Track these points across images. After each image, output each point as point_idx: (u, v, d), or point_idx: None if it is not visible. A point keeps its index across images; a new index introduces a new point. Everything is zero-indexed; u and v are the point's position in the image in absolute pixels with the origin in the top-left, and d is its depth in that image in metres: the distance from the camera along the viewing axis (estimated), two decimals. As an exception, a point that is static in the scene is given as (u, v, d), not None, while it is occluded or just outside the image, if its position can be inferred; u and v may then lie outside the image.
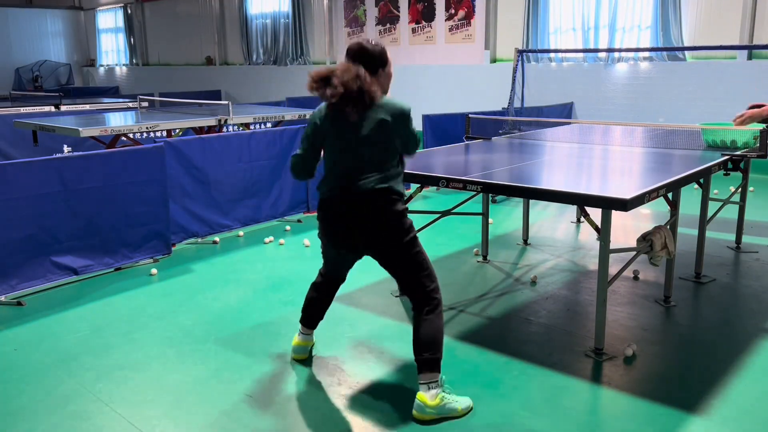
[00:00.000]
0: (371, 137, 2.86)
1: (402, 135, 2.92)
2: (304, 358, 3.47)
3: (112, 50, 20.66)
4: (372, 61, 2.92)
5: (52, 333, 3.86)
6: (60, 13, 21.05)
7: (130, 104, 10.61)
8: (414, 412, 2.87)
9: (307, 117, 7.89)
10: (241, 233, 6.00)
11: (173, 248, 5.39)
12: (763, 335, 3.69)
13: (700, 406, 2.94)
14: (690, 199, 5.57)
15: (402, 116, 2.89)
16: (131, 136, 6.89)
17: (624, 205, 3.05)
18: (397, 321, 3.95)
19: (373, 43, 2.96)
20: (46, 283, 4.53)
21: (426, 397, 2.84)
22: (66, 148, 8.32)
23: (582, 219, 6.01)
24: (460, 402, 2.92)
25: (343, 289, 4.50)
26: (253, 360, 3.47)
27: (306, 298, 3.44)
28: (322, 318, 3.46)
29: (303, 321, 3.45)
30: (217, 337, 3.76)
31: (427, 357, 2.87)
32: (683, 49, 9.05)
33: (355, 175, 2.88)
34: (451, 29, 12.11)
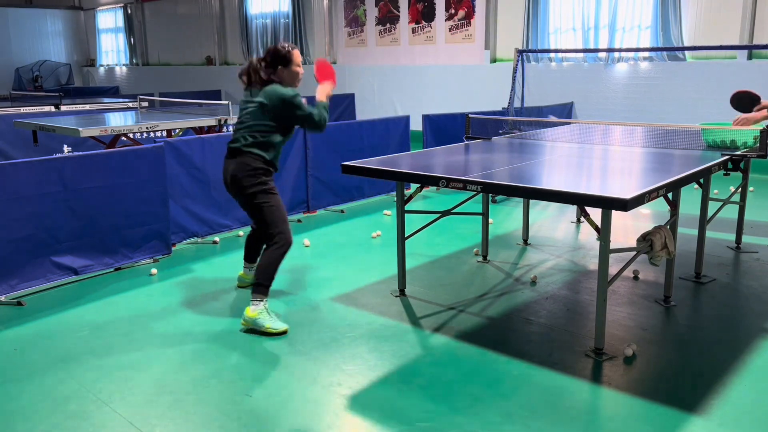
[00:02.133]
0: (248, 111, 3.88)
1: (283, 116, 3.83)
2: (245, 286, 4.48)
3: (112, 50, 20.67)
4: (273, 58, 3.92)
5: (52, 333, 3.86)
6: (60, 13, 21.06)
7: (130, 104, 10.61)
8: (242, 320, 3.82)
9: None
10: (241, 233, 6.00)
11: (173, 248, 5.39)
12: (763, 335, 3.69)
13: (700, 406, 2.94)
14: (690, 199, 5.58)
15: (278, 101, 3.79)
16: (131, 136, 6.89)
17: (624, 205, 3.05)
18: (397, 321, 3.95)
19: (287, 47, 3.95)
20: (46, 283, 4.53)
21: (248, 309, 3.79)
22: (66, 148, 8.32)
23: (582, 219, 6.01)
24: (273, 323, 3.76)
25: (343, 289, 4.52)
26: (253, 360, 3.48)
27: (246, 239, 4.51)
28: (258, 254, 4.37)
29: (245, 257, 4.54)
30: (217, 337, 3.76)
31: (258, 281, 3.82)
32: (683, 49, 9.04)
33: (235, 137, 3.90)
34: (451, 29, 12.11)
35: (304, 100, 3.93)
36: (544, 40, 10.88)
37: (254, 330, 3.78)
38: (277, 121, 3.85)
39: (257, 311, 3.77)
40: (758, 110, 4.86)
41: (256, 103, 3.84)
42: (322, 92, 4.02)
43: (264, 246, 3.95)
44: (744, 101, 5.03)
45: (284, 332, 3.76)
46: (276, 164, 3.95)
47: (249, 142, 3.82)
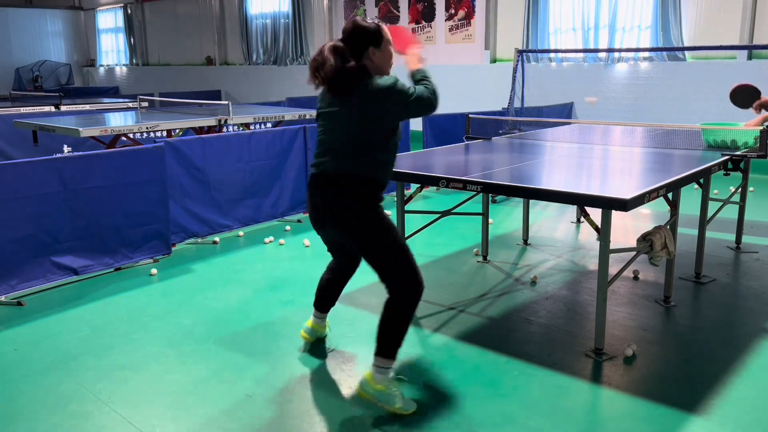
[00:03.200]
0: (346, 121, 2.86)
1: (396, 111, 2.85)
2: (310, 339, 3.58)
3: (112, 50, 20.67)
4: (359, 38, 2.88)
5: (52, 333, 3.86)
6: (60, 13, 21.05)
7: (130, 104, 10.61)
8: (358, 385, 2.98)
9: (308, 117, 7.91)
10: (241, 233, 6.00)
11: (173, 248, 5.39)
12: (763, 335, 3.69)
13: (700, 406, 2.94)
14: (690, 199, 5.58)
15: (385, 94, 2.81)
16: (131, 136, 6.88)
17: (624, 205, 3.05)
18: (397, 321, 3.95)
19: (369, 20, 2.93)
20: (46, 283, 4.53)
21: (372, 377, 2.91)
22: (66, 148, 8.32)
23: (582, 219, 6.01)
24: (401, 400, 2.91)
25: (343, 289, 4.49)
26: (253, 360, 3.47)
27: (320, 281, 3.52)
28: (333, 304, 3.54)
29: (315, 303, 3.55)
30: (217, 337, 3.76)
31: (388, 341, 2.91)
32: (683, 49, 9.05)
33: (324, 158, 2.94)
34: (451, 29, 12.11)
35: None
36: (544, 40, 10.88)
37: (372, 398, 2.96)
38: (387, 122, 2.89)
39: (385, 382, 2.91)
40: (758, 105, 4.82)
41: (349, 105, 2.85)
42: (413, 61, 3.05)
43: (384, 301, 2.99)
44: (742, 96, 4.98)
45: (407, 412, 2.92)
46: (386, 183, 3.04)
47: (346, 161, 2.90)
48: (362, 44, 2.88)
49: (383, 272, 2.95)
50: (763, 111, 4.86)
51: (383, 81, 2.84)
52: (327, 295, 3.50)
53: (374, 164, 2.91)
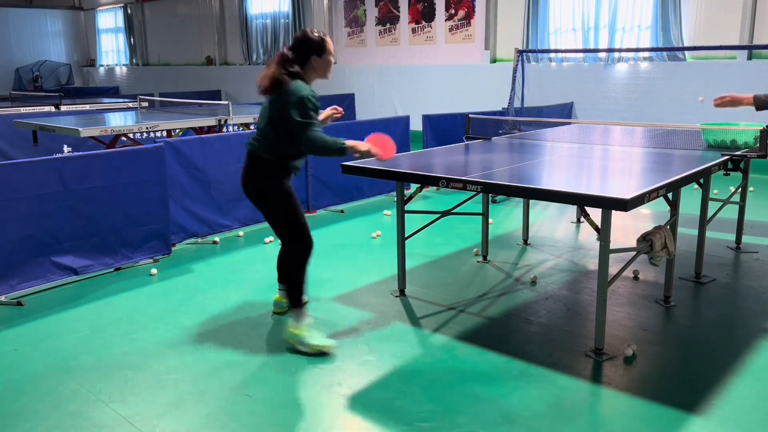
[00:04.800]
0: (267, 113, 3.53)
1: (288, 115, 3.38)
2: (281, 312, 4.09)
3: (112, 50, 20.66)
4: (305, 49, 3.50)
5: (52, 333, 3.86)
6: (60, 13, 21.05)
7: (130, 104, 10.61)
8: (285, 336, 3.64)
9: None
10: (241, 233, 6.00)
11: (173, 248, 5.39)
12: (763, 335, 3.69)
13: (700, 406, 2.94)
14: (690, 199, 5.58)
15: (287, 100, 3.38)
16: (131, 136, 6.89)
17: (624, 205, 3.05)
18: (397, 321, 3.95)
19: (316, 33, 3.53)
20: (46, 283, 4.53)
21: (293, 325, 3.60)
22: (66, 148, 8.32)
23: (582, 219, 6.01)
24: (316, 340, 3.52)
25: (343, 289, 4.51)
26: (253, 360, 3.47)
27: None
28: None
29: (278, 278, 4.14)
30: (217, 337, 3.76)
31: (289, 296, 3.69)
32: (683, 49, 9.04)
33: (252, 140, 3.61)
34: (451, 29, 12.11)
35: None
36: (544, 40, 10.88)
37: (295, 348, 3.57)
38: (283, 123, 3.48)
39: (304, 328, 3.60)
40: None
41: (273, 103, 3.52)
42: (359, 143, 3.56)
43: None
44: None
45: (327, 352, 3.52)
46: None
47: (262, 145, 3.59)
48: (307, 53, 3.50)
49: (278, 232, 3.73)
50: None
51: (298, 88, 3.39)
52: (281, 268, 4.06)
53: (282, 152, 3.53)
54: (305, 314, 3.63)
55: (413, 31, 12.66)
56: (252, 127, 7.72)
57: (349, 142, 3.50)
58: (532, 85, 9.69)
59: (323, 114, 3.88)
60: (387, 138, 3.75)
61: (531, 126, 6.89)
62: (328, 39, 3.57)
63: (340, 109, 4.05)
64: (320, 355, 3.47)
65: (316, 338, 3.54)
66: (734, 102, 4.69)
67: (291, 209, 3.61)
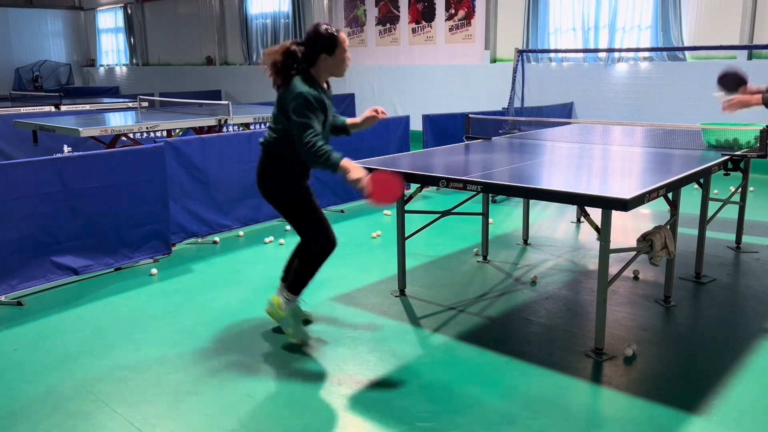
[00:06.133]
0: (276, 108, 3.45)
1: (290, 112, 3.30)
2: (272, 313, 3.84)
3: (112, 50, 20.66)
4: (315, 45, 3.34)
5: (52, 333, 3.86)
6: (60, 13, 21.05)
7: (130, 104, 10.61)
8: (267, 306, 3.69)
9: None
10: (241, 233, 6.00)
11: (173, 248, 5.39)
12: (763, 335, 3.69)
13: (700, 406, 2.94)
14: (690, 199, 5.57)
15: (288, 98, 3.30)
16: (131, 136, 6.89)
17: (624, 205, 3.05)
18: (397, 321, 3.95)
19: (329, 28, 3.34)
20: (46, 283, 4.53)
21: (280, 304, 3.63)
22: (66, 148, 8.32)
23: (582, 219, 6.01)
24: (296, 331, 3.60)
25: (343, 289, 4.51)
26: (253, 360, 3.47)
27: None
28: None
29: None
30: (217, 337, 3.76)
31: (291, 280, 3.62)
32: (683, 49, 9.05)
33: (265, 135, 3.53)
34: (451, 29, 12.11)
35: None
36: (544, 40, 10.88)
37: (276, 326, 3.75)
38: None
39: (288, 311, 3.65)
40: (747, 93, 4.73)
41: (280, 98, 3.45)
42: (354, 169, 3.25)
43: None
44: (731, 83, 4.89)
45: (303, 343, 3.63)
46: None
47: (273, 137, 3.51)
48: (317, 50, 3.34)
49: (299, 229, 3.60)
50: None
51: (296, 84, 3.30)
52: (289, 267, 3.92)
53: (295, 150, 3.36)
54: (296, 303, 3.67)
55: (413, 31, 12.66)
56: (253, 127, 7.73)
57: (345, 163, 3.24)
58: (532, 85, 9.68)
59: (361, 116, 3.70)
60: (395, 182, 3.33)
61: (531, 126, 6.89)
62: (341, 35, 3.35)
63: (382, 109, 3.68)
64: (299, 344, 3.60)
65: (298, 329, 3.63)
66: (743, 104, 4.67)
67: (309, 212, 3.52)
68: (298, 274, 3.62)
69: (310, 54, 3.34)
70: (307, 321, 3.90)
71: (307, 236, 3.57)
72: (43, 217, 4.45)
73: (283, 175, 3.46)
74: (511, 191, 3.62)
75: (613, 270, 3.62)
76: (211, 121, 7.11)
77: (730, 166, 4.41)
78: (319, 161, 3.23)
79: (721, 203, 5.13)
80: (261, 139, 3.52)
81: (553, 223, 6.30)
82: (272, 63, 3.35)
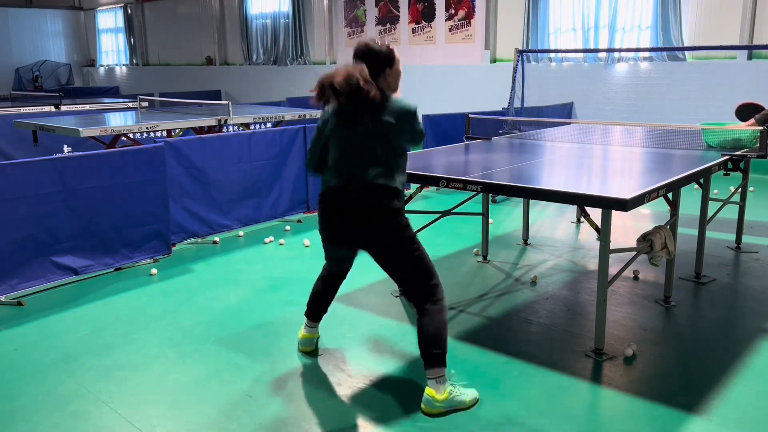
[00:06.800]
0: (374, 136, 2.93)
1: (407, 132, 2.97)
2: (311, 350, 3.54)
3: (112, 50, 20.66)
4: (377, 60, 2.99)
5: (52, 333, 3.86)
6: (60, 13, 21.05)
7: (130, 104, 10.61)
8: (423, 406, 2.93)
9: (308, 117, 7.92)
10: (241, 233, 6.00)
11: (173, 248, 5.39)
12: (763, 335, 3.69)
13: (700, 406, 2.94)
14: (690, 199, 5.57)
15: (407, 115, 2.94)
16: (131, 136, 6.89)
17: (624, 205, 3.05)
18: (397, 321, 3.95)
19: (378, 42, 3.05)
20: (46, 283, 4.52)
21: (434, 391, 2.90)
22: (66, 148, 8.32)
23: (582, 219, 6.01)
24: (468, 394, 2.98)
25: (343, 289, 4.49)
26: (253, 360, 3.47)
27: (312, 292, 3.51)
28: (326, 311, 3.53)
29: (308, 314, 3.52)
30: (217, 337, 3.76)
31: (433, 352, 2.91)
32: (683, 49, 9.05)
33: (354, 172, 2.94)
34: (451, 29, 12.11)
35: None
36: (544, 40, 10.88)
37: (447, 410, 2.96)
38: (400, 140, 2.99)
39: (447, 389, 2.92)
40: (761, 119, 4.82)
41: (378, 122, 2.91)
42: None
43: (416, 308, 3.00)
44: (746, 111, 5.04)
45: (478, 399, 3.03)
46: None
47: (379, 173, 2.92)
48: (380, 66, 3.00)
49: (408, 282, 3.03)
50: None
51: (403, 102, 2.97)
52: (321, 305, 3.50)
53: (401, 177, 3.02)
54: (445, 375, 2.97)
55: (413, 31, 12.66)
56: (253, 127, 7.73)
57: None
58: (532, 85, 9.69)
59: None
60: None
61: (531, 126, 6.89)
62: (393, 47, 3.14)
63: None
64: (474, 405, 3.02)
65: (466, 392, 3.00)
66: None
67: (420, 247, 3.05)
68: (433, 339, 2.92)
69: (373, 71, 2.98)
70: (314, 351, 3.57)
71: (426, 278, 2.99)
72: (43, 217, 4.45)
73: (401, 210, 2.99)
74: (511, 191, 3.62)
75: (613, 270, 3.62)
76: (211, 121, 7.11)
77: (730, 166, 4.41)
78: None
79: (721, 203, 5.13)
80: (370, 180, 2.91)
81: (553, 223, 6.30)
82: (368, 96, 2.87)
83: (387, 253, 3.00)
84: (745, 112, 5.06)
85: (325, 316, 3.54)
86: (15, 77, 19.38)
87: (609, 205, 3.14)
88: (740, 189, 5.22)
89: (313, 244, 5.60)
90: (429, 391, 2.91)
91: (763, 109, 4.95)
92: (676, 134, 5.56)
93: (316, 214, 3.14)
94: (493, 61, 11.67)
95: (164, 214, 5.19)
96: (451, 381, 2.98)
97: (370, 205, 2.92)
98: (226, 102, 7.76)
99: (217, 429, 2.83)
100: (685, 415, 2.88)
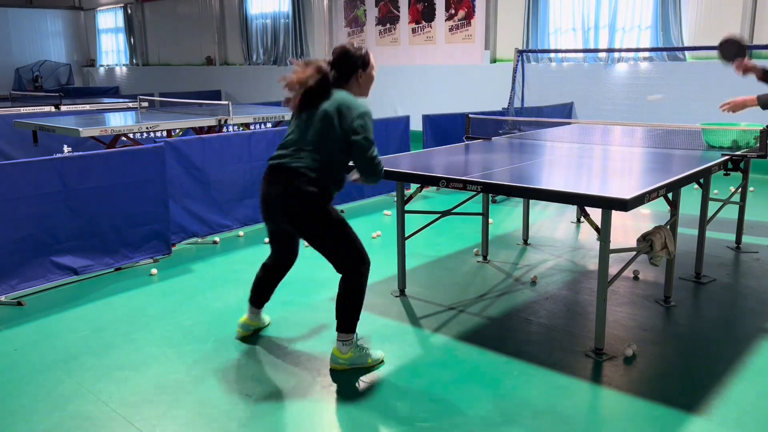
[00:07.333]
0: (310, 123, 3.16)
1: (349, 132, 3.10)
2: (245, 334, 3.74)
3: (112, 50, 20.65)
4: (351, 62, 3.24)
5: (52, 333, 3.86)
6: (60, 13, 21.04)
7: (130, 104, 10.61)
8: (330, 363, 3.32)
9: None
10: (241, 233, 6.00)
11: (173, 248, 5.39)
12: (763, 335, 3.69)
13: (700, 406, 2.94)
14: (690, 199, 5.57)
15: (347, 110, 3.10)
16: (131, 136, 6.89)
17: (624, 205, 3.05)
18: (397, 321, 3.95)
19: (356, 46, 3.28)
20: (46, 283, 4.52)
21: (339, 351, 3.29)
22: (66, 148, 8.32)
23: (582, 219, 6.01)
24: (371, 356, 3.34)
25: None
26: (253, 360, 3.47)
27: (255, 278, 3.71)
28: (268, 299, 3.75)
29: (251, 300, 3.74)
30: (217, 337, 3.76)
31: (346, 320, 3.26)
32: (683, 49, 9.05)
33: (285, 153, 3.20)
34: (451, 29, 12.11)
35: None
36: (544, 40, 10.88)
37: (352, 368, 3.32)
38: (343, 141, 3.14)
39: (351, 351, 3.29)
40: (741, 68, 4.63)
41: (323, 113, 3.13)
42: None
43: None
44: (729, 51, 4.78)
45: (382, 361, 3.38)
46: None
47: (305, 160, 3.14)
48: (353, 67, 3.25)
49: (329, 257, 3.28)
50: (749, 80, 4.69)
51: (357, 102, 3.16)
52: (263, 291, 3.71)
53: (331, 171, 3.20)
54: (354, 340, 3.32)
55: (413, 31, 12.66)
56: (253, 127, 7.73)
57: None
58: (532, 85, 9.69)
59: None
60: None
61: (531, 126, 6.89)
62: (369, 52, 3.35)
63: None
64: (378, 365, 3.35)
65: (369, 356, 3.34)
66: (740, 106, 4.68)
67: (346, 228, 3.25)
68: (345, 309, 3.26)
69: (345, 73, 3.24)
70: (258, 329, 3.80)
71: (347, 258, 3.22)
72: (43, 217, 4.45)
73: (321, 197, 3.15)
74: (511, 191, 3.62)
75: (613, 270, 3.62)
76: (211, 121, 7.11)
77: (730, 166, 4.41)
78: (378, 176, 3.25)
79: (721, 203, 5.13)
80: (293, 163, 3.13)
81: (553, 223, 6.30)
82: (302, 84, 3.15)
83: (304, 231, 3.25)
84: (730, 47, 4.72)
85: (325, 316, 3.54)
86: (15, 77, 19.37)
87: (609, 205, 3.14)
88: (740, 189, 5.22)
89: (313, 244, 5.60)
90: (335, 350, 3.30)
91: (743, 52, 4.70)
92: (676, 134, 5.56)
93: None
94: (493, 61, 11.67)
95: (164, 214, 5.19)
96: (360, 343, 3.34)
97: (283, 185, 3.14)
98: (226, 102, 7.76)
99: (217, 429, 2.83)
100: (685, 415, 2.88)
